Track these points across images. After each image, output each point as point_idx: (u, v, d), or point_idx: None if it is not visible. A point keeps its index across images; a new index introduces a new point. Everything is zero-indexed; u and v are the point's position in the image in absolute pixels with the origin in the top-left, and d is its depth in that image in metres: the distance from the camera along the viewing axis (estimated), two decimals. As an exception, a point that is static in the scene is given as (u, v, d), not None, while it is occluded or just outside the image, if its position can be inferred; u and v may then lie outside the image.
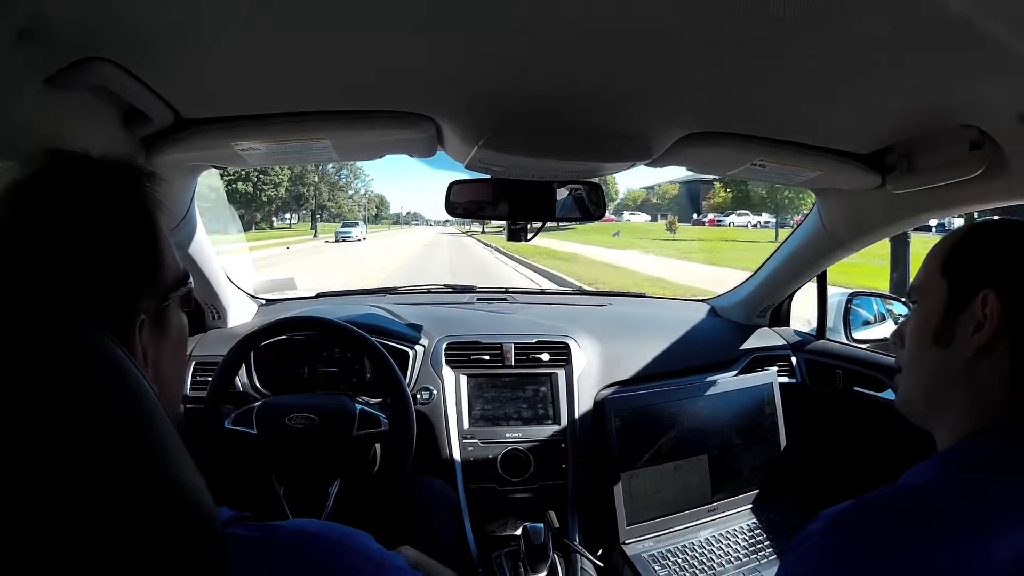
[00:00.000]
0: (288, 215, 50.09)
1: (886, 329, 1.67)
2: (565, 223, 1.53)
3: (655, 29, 0.62)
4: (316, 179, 47.59)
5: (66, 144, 0.47)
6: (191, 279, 0.54)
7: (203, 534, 0.36)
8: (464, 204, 1.19)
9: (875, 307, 1.85)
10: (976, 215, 1.08)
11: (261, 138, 0.91)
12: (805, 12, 0.57)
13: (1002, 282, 0.56)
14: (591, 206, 1.22)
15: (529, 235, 1.23)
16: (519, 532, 1.16)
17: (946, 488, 0.52)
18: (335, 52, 0.69)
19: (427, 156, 1.04)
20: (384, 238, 37.31)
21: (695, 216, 41.92)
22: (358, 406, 1.22)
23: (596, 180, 1.17)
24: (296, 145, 0.95)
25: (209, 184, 1.19)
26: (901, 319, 1.55)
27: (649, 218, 46.86)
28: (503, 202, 1.19)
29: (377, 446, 1.31)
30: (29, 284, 0.37)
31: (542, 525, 1.12)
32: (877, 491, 0.53)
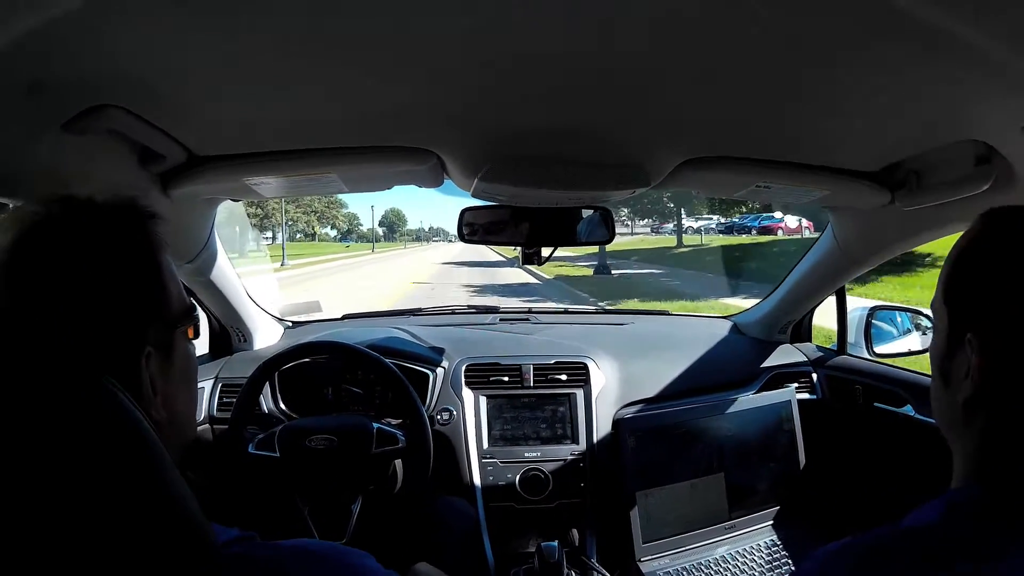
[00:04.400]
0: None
1: (910, 343, 1.65)
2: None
3: (648, 65, 0.64)
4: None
5: (89, 183, 0.50)
6: (197, 312, 0.57)
7: (197, 547, 0.40)
8: (479, 228, 1.23)
9: (899, 320, 1.82)
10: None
11: (271, 173, 0.96)
12: (805, 40, 0.58)
13: (987, 322, 0.47)
14: (608, 229, 1.24)
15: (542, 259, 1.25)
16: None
17: (951, 529, 0.46)
18: (336, 92, 0.72)
19: (434, 186, 1.07)
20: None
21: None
22: (376, 425, 1.26)
23: (606, 204, 1.20)
24: (306, 179, 0.99)
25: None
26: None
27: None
28: (520, 226, 1.21)
29: (398, 464, 1.34)
30: (35, 331, 0.40)
31: (556, 543, 1.14)
32: (875, 531, 0.48)
